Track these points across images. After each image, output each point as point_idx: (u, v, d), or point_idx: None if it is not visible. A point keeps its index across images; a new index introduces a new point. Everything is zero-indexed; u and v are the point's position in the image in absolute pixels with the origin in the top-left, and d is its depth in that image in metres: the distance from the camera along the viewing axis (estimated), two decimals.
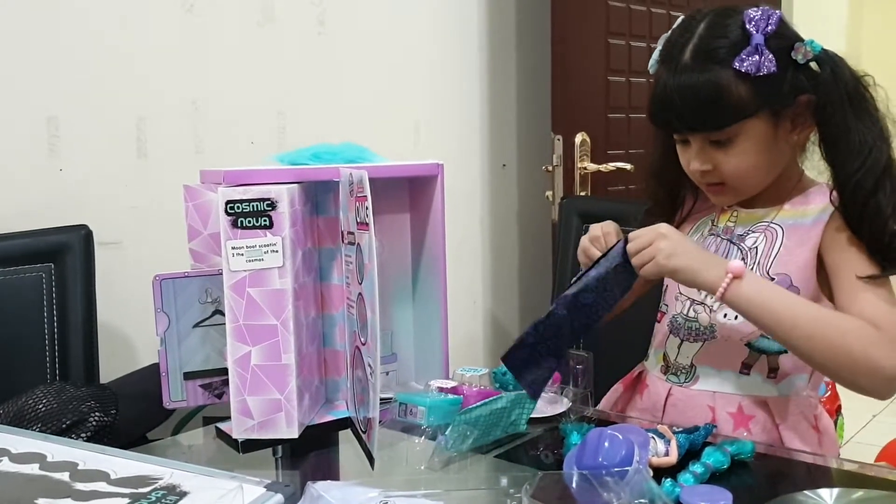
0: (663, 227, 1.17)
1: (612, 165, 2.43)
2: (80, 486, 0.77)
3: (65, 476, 0.79)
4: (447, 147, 2.43)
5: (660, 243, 1.15)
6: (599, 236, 1.28)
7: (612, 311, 1.20)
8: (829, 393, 2.51)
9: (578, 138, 2.39)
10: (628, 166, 2.43)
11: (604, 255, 1.19)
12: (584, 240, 1.30)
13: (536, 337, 1.16)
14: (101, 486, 0.76)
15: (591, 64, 2.47)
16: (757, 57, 1.17)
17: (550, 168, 2.43)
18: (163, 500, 0.73)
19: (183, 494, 0.75)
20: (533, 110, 2.64)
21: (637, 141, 2.56)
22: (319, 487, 0.86)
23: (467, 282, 2.53)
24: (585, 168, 2.41)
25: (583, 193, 2.40)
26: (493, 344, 2.64)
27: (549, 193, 2.45)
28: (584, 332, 1.19)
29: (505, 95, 2.60)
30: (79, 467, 0.81)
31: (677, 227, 1.39)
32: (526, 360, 1.17)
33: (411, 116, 2.35)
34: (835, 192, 1.23)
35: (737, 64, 1.17)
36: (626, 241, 1.19)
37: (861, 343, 1.12)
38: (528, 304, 2.72)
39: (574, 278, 1.18)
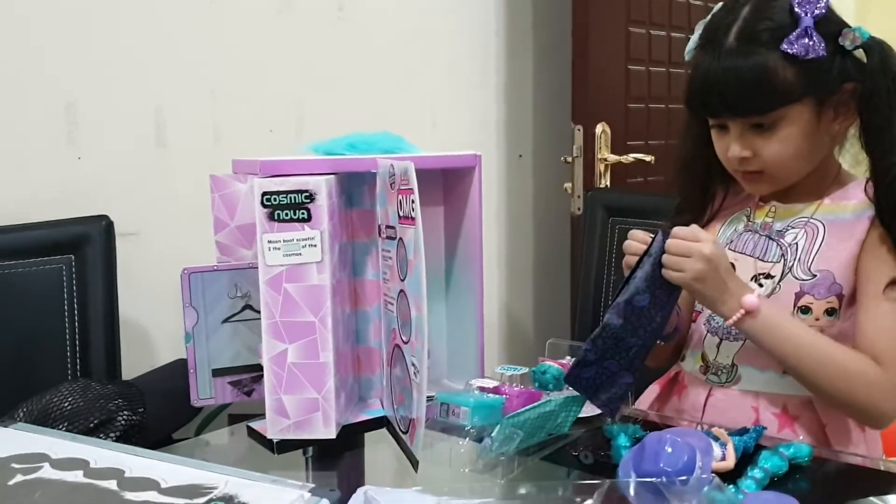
0: (707, 249, 1.12)
1: (632, 157, 2.39)
2: (129, 495, 0.73)
3: (112, 484, 0.75)
4: (464, 137, 2.38)
5: (696, 264, 1.11)
6: (633, 243, 1.22)
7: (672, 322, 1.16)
8: None
9: (598, 129, 2.34)
10: (648, 157, 2.38)
11: (645, 253, 1.14)
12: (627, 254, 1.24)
13: (597, 353, 1.10)
14: (153, 496, 0.72)
15: (611, 53, 2.42)
16: (806, 40, 1.14)
17: (570, 159, 2.38)
18: None
19: None
20: (549, 100, 2.60)
21: (657, 132, 2.52)
22: (374, 493, 0.82)
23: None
24: (605, 159, 2.36)
25: (602, 185, 2.36)
26: (508, 338, 2.60)
27: (567, 185, 2.40)
28: (652, 340, 1.14)
29: (522, 85, 2.56)
30: (125, 475, 0.76)
31: (707, 223, 1.36)
32: (596, 378, 1.12)
33: (428, 105, 2.30)
34: (870, 183, 1.21)
35: (785, 46, 1.14)
36: (665, 236, 1.14)
37: (865, 388, 1.16)
38: (544, 298, 2.68)
39: (621, 285, 1.14)
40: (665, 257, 1.13)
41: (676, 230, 1.14)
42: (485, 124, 2.48)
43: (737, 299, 1.14)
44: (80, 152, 1.62)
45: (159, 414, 1.27)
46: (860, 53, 1.17)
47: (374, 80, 2.14)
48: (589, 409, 1.20)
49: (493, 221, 2.53)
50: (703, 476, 0.82)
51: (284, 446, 1.11)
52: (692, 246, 1.12)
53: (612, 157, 2.37)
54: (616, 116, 2.40)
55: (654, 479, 0.81)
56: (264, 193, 1.07)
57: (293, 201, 1.07)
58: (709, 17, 1.24)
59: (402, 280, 1.06)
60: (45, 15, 1.57)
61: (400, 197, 1.05)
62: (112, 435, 1.15)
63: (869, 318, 1.19)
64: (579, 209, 2.24)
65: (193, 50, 1.78)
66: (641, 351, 1.13)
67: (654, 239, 1.14)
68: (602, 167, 2.36)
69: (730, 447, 1.00)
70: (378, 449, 1.18)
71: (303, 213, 1.07)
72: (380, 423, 1.19)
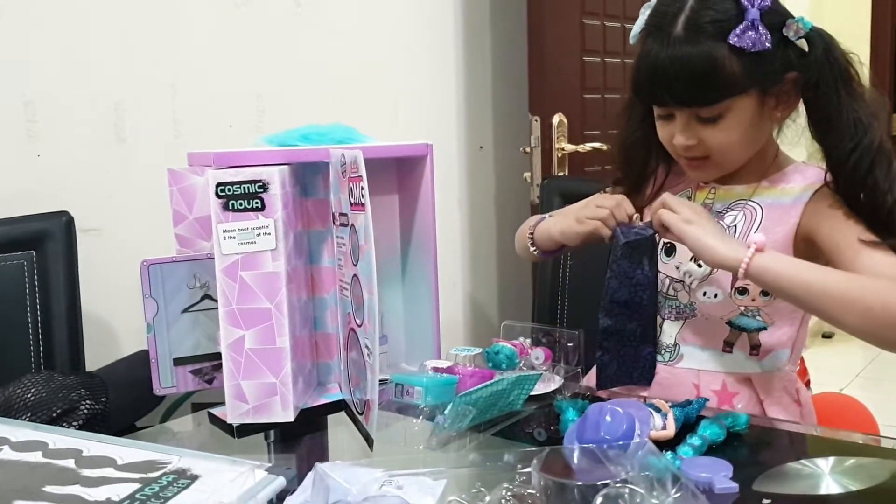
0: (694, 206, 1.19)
1: (588, 146, 2.44)
2: (86, 472, 0.76)
3: (70, 463, 0.78)
4: (425, 129, 2.42)
5: (688, 213, 1.18)
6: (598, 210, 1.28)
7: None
8: (798, 368, 2.54)
9: (556, 119, 2.39)
10: (605, 146, 2.43)
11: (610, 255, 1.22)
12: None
13: (610, 351, 1.28)
14: (109, 472, 0.75)
15: (566, 44, 2.46)
16: (752, 33, 1.15)
17: (528, 149, 2.43)
18: (174, 484, 0.72)
19: (194, 478, 0.74)
20: (508, 92, 2.64)
21: (612, 121, 2.56)
22: (325, 468, 0.85)
23: (446, 264, 2.51)
24: (563, 149, 2.41)
25: (561, 174, 2.41)
26: (473, 326, 2.64)
27: (527, 175, 2.45)
28: (651, 313, 1.28)
29: (481, 77, 2.60)
30: (83, 454, 0.80)
31: (649, 203, 1.39)
32: (622, 367, 1.27)
33: (389, 98, 2.33)
34: (829, 174, 1.22)
35: (733, 39, 1.15)
36: (624, 232, 1.22)
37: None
38: (507, 286, 2.73)
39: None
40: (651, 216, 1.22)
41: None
42: (446, 117, 2.51)
43: (741, 243, 1.15)
44: (40, 150, 1.63)
45: (122, 403, 1.29)
46: (802, 43, 1.20)
47: (333, 74, 2.16)
48: (540, 387, 1.24)
49: (455, 210, 2.57)
50: (638, 442, 0.86)
51: (244, 430, 1.14)
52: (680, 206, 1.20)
53: (570, 147, 2.41)
54: (572, 107, 2.45)
55: (591, 446, 0.85)
56: (218, 184, 1.10)
57: (247, 191, 1.10)
58: (654, 2, 1.24)
59: (355, 265, 1.09)
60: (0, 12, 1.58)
61: (351, 185, 1.09)
62: (75, 424, 1.17)
63: (856, 258, 1.14)
64: (538, 197, 2.28)
65: (152, 45, 1.79)
66: (648, 326, 1.26)
67: (615, 236, 1.21)
68: (559, 156, 2.40)
69: (670, 417, 1.05)
70: (341, 432, 1.21)
71: (257, 203, 1.10)
72: (339, 406, 1.22)
